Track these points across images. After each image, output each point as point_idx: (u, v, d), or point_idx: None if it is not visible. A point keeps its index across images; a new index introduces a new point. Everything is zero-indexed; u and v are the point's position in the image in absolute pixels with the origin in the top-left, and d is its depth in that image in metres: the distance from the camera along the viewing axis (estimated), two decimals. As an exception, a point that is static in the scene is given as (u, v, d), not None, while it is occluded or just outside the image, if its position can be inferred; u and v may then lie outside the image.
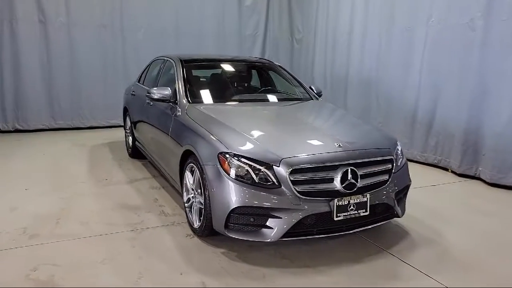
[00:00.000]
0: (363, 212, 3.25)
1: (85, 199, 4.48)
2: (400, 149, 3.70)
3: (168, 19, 8.91)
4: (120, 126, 8.36)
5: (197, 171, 3.46)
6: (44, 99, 8.23)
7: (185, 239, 3.58)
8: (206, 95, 4.51)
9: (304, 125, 3.90)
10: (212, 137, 3.41)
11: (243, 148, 3.24)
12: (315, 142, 3.38)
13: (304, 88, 5.00)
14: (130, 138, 6.13)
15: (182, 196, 3.89)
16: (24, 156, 6.18)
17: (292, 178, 3.06)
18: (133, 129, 5.86)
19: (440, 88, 5.85)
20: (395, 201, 3.51)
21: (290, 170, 3.06)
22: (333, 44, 8.00)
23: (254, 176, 3.10)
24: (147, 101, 4.97)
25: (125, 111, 6.33)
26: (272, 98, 4.75)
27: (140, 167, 5.74)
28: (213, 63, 5.18)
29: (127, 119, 6.23)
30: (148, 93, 4.36)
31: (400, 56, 6.49)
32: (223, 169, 3.17)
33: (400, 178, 3.58)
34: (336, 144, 3.31)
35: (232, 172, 3.14)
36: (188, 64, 4.77)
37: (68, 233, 3.61)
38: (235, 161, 3.15)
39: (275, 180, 3.07)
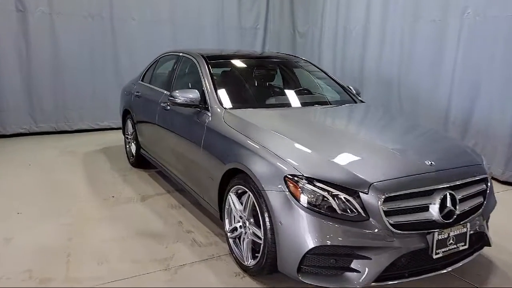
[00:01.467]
0: (462, 246, 2.65)
1: (94, 225, 3.71)
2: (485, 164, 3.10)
3: (164, 10, 8.08)
4: (112, 129, 7.65)
5: (251, 196, 2.77)
6: (23, 99, 7.28)
7: (234, 279, 2.90)
8: (241, 99, 3.82)
9: (375, 137, 3.23)
10: (271, 153, 2.73)
11: (318, 169, 2.58)
12: (402, 160, 2.73)
13: (344, 88, 4.34)
14: (133, 145, 5.34)
15: (223, 223, 3.19)
16: (6, 168, 5.31)
17: (385, 208, 2.41)
18: (138, 135, 5.07)
19: (479, 85, 5.31)
20: (487, 227, 2.93)
21: (383, 198, 2.41)
22: (344, 37, 7.39)
23: (335, 205, 2.43)
24: (162, 104, 4.22)
25: (125, 114, 5.52)
26: (315, 101, 4.06)
27: (147, 179, 4.98)
28: (240, 60, 4.44)
29: (128, 123, 5.44)
30: (171, 96, 3.62)
31: (427, 51, 5.93)
32: (294, 197, 2.48)
33: (491, 198, 2.99)
34: (427, 162, 2.67)
35: (305, 200, 2.46)
36: (214, 61, 4.05)
37: (87, 277, 2.86)
38: (309, 187, 2.48)
39: (361, 211, 2.42)
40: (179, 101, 3.59)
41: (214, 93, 3.62)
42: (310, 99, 4.09)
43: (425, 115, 6.00)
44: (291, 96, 4.07)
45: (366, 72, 6.96)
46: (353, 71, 7.20)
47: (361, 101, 4.20)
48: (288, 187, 2.52)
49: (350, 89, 4.39)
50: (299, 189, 2.49)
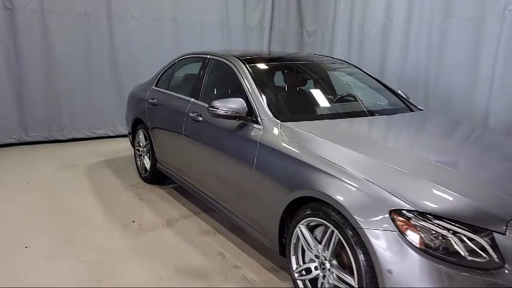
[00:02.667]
0: None
1: (122, 261, 3.11)
2: None
3: (166, 8, 7.44)
4: (109, 137, 7.03)
5: (335, 232, 2.23)
6: (12, 106, 6.55)
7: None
8: (294, 109, 3.27)
9: (478, 157, 2.71)
10: (363, 179, 2.19)
11: (432, 200, 2.05)
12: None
13: (396, 94, 3.83)
14: (147, 158, 4.73)
15: (287, 260, 2.64)
16: (0, 188, 4.60)
17: (528, 253, 1.90)
18: (153, 148, 4.46)
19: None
20: None
21: (525, 238, 1.90)
22: (361, 36, 6.89)
23: (460, 248, 1.91)
24: (191, 114, 3.64)
25: (136, 123, 4.89)
26: (375, 109, 3.53)
27: (166, 197, 4.38)
28: (282, 63, 3.87)
29: (140, 134, 4.82)
30: (211, 107, 3.03)
31: (461, 52, 5.47)
32: (405, 238, 1.95)
33: None
34: None
35: (421, 242, 1.94)
36: (253, 65, 3.48)
37: None
38: (426, 225, 1.96)
39: (494, 255, 1.90)
40: (220, 112, 3.01)
41: (263, 103, 3.05)
42: (368, 107, 3.55)
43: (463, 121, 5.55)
44: (347, 104, 3.53)
45: (387, 74, 6.47)
46: (372, 73, 6.68)
47: (419, 108, 3.68)
48: (396, 225, 1.98)
49: (401, 94, 3.87)
50: (413, 228, 1.95)
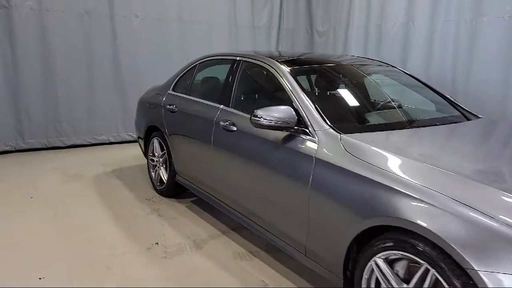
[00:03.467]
0: None
1: (153, 294, 2.67)
2: None
3: (171, 6, 7.01)
4: (111, 143, 6.61)
5: (431, 272, 1.84)
6: (8, 111, 6.07)
7: None
8: (350, 119, 2.88)
9: None
10: (469, 207, 1.79)
11: None
12: None
13: (450, 101, 3.45)
14: (163, 169, 4.30)
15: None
16: (1, 204, 4.13)
17: None
18: (172, 159, 4.04)
19: None
20: None
21: None
22: (378, 37, 6.54)
23: None
24: (222, 123, 3.23)
25: (150, 131, 4.46)
26: (433, 117, 3.15)
27: (187, 213, 3.97)
28: (325, 66, 3.46)
29: (155, 143, 4.38)
30: (255, 116, 2.62)
31: (494, 54, 5.13)
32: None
33: None
34: None
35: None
36: (296, 68, 3.08)
37: None
38: None
39: None
40: (265, 122, 2.60)
41: (314, 112, 2.65)
42: (427, 115, 3.17)
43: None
44: (405, 112, 3.14)
45: (409, 77, 6.11)
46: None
47: (476, 116, 3.31)
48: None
49: (452, 100, 3.50)
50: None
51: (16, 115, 6.13)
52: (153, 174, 4.55)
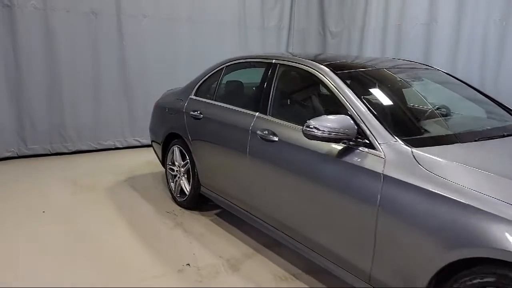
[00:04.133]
0: None
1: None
2: None
3: (181, 6, 6.69)
4: (117, 148, 6.26)
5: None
6: (10, 115, 5.73)
7: None
8: (419, 130, 2.58)
9: None
10: None
11: None
12: None
13: (505, 107, 3.17)
14: (184, 180, 3.99)
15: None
16: (10, 218, 3.83)
17: None
18: (197, 169, 3.73)
19: None
20: None
21: None
22: (398, 38, 6.28)
23: None
24: (260, 133, 2.94)
25: (169, 139, 4.15)
26: (496, 126, 2.86)
27: (215, 228, 3.67)
28: (377, 71, 3.17)
29: (175, 151, 4.07)
30: (308, 127, 2.33)
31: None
32: None
33: None
34: None
35: None
36: (347, 74, 2.79)
37: None
38: None
39: None
40: (320, 133, 2.31)
41: (377, 122, 2.36)
42: (490, 124, 2.90)
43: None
44: (468, 120, 2.86)
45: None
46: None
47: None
48: None
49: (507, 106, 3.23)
50: None
51: (19, 119, 5.79)
52: (172, 184, 4.23)
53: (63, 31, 5.81)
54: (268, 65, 3.25)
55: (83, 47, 6.00)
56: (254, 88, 3.46)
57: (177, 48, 6.71)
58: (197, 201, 3.94)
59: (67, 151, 6.21)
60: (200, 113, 3.70)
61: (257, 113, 3.12)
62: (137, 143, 6.79)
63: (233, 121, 3.28)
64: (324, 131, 2.29)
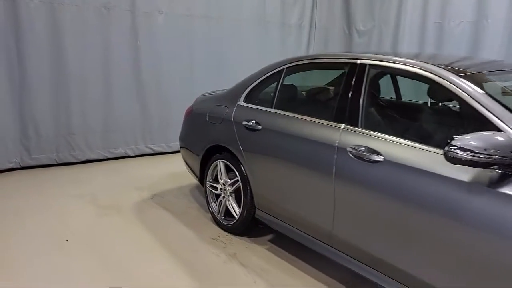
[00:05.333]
0: None
1: None
2: None
3: (198, 2, 6.06)
4: (129, 157, 5.69)
5: None
6: (12, 122, 5.05)
7: None
8: None
9: None
10: None
11: None
12: None
13: None
14: (233, 201, 3.38)
15: None
16: (28, 250, 3.14)
17: None
18: (252, 188, 3.12)
19: None
20: None
21: None
22: (438, 36, 5.77)
23: None
24: (354, 151, 2.36)
25: (212, 152, 3.53)
26: None
27: (275, 260, 3.07)
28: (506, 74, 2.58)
29: (220, 167, 3.46)
30: (453, 146, 1.74)
31: None
32: None
33: None
34: None
35: None
36: (478, 80, 2.20)
37: None
38: None
39: None
40: (472, 157, 1.73)
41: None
42: None
43: None
44: None
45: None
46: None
47: None
48: None
49: None
50: None
51: (22, 126, 5.12)
52: (214, 205, 3.61)
53: (72, 27, 5.16)
54: (351, 67, 2.65)
55: (94, 46, 5.35)
56: (330, 94, 2.85)
57: (193, 48, 6.12)
58: (248, 226, 3.32)
59: (75, 161, 5.55)
60: (257, 123, 3.09)
61: (343, 125, 2.53)
62: (150, 151, 6.16)
63: (308, 134, 2.68)
64: (480, 154, 1.71)
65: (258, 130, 3.06)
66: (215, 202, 3.63)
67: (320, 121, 2.68)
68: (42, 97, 5.10)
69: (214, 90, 4.31)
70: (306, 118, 2.79)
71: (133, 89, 5.77)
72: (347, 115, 2.55)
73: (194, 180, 4.73)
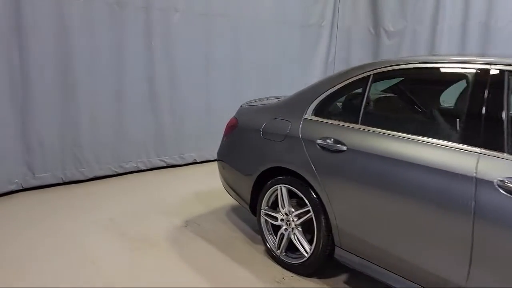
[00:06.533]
0: None
1: None
2: None
3: (216, 0, 5.40)
4: (140, 171, 5.07)
5: None
6: (13, 135, 4.34)
7: None
8: None
9: None
10: None
11: None
12: None
13: None
14: (300, 235, 2.75)
15: None
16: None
17: None
18: (333, 223, 2.50)
19: None
20: None
21: None
22: (483, 37, 5.28)
23: None
24: (505, 184, 1.74)
25: (268, 175, 2.89)
26: None
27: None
28: None
29: (282, 193, 2.82)
30: None
31: None
32: None
33: None
34: None
35: None
36: None
37: None
38: None
39: None
40: None
41: None
42: None
43: None
44: None
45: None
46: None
47: None
48: None
49: None
50: None
51: (24, 141, 4.41)
52: (272, 238, 3.00)
53: (80, 26, 4.48)
54: (481, 75, 2.05)
55: (104, 48, 4.67)
56: (446, 108, 2.25)
57: (209, 51, 5.55)
58: (320, 266, 2.70)
59: (83, 178, 4.85)
60: (338, 143, 2.46)
61: (478, 148, 1.92)
62: (162, 164, 5.52)
63: (422, 160, 2.07)
64: None
65: (342, 151, 2.44)
66: (272, 235, 3.00)
67: (439, 142, 2.08)
68: (47, 104, 4.42)
69: (258, 99, 3.68)
70: (417, 138, 2.18)
71: (146, 96, 5.13)
72: (482, 136, 1.95)
73: (225, 201, 4.10)
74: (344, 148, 2.44)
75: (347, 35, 6.77)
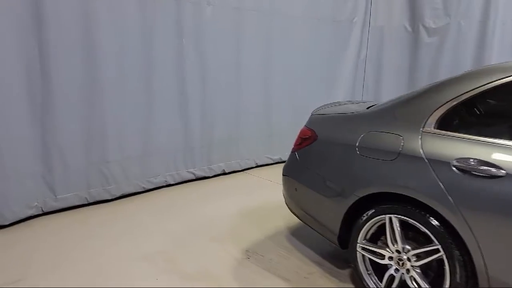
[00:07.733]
0: None
1: None
2: None
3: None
4: (169, 185, 4.57)
5: None
6: (32, 152, 3.64)
7: None
8: None
9: None
10: None
11: None
12: None
13: None
14: (420, 279, 2.13)
15: None
16: None
17: None
18: (477, 270, 1.88)
19: None
20: None
21: None
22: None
23: None
24: None
25: (371, 200, 2.25)
26: None
27: None
28: None
29: (393, 226, 2.17)
30: None
31: None
32: None
33: None
34: None
35: None
36: None
37: None
38: None
39: None
40: None
41: None
42: None
43: None
44: None
45: None
46: None
47: None
48: None
49: None
50: None
51: (45, 158, 3.72)
52: (374, 280, 2.33)
53: (106, 19, 3.80)
54: None
55: (134, 48, 3.99)
56: None
57: (241, 49, 4.92)
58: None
59: (110, 198, 4.15)
60: (490, 165, 1.82)
61: None
62: (191, 176, 4.88)
63: None
64: None
65: (499, 177, 1.80)
66: (373, 275, 2.36)
67: None
68: (70, 117, 3.71)
69: (328, 104, 3.04)
70: None
71: (175, 102, 4.50)
72: None
73: (278, 222, 3.49)
74: (503, 172, 1.79)
75: (379, 32, 6.15)
